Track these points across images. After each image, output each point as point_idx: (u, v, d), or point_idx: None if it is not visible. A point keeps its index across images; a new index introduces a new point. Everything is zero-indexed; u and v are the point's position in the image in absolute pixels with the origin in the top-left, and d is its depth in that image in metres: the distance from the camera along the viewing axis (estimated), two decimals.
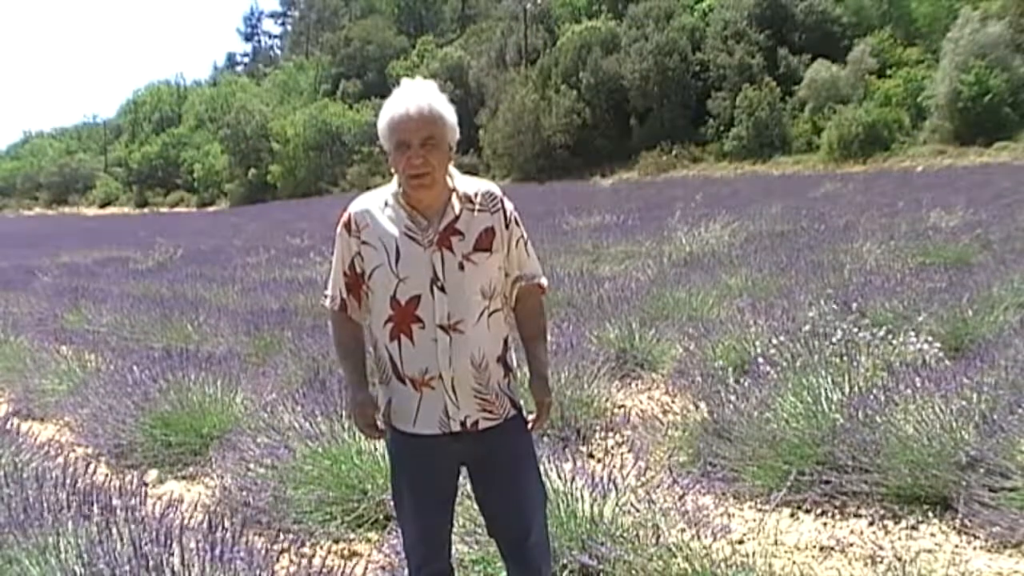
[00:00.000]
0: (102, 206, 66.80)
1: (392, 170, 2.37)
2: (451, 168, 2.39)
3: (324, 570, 2.97)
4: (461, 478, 2.59)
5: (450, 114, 2.34)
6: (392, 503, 3.27)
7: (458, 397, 2.37)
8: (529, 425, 2.53)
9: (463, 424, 2.39)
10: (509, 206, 2.45)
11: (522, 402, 2.53)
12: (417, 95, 2.31)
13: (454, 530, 3.23)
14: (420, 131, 2.27)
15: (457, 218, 2.36)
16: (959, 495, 3.62)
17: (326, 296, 2.52)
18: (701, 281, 8.25)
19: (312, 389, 4.86)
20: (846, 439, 3.93)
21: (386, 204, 2.40)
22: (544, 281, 2.57)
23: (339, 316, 2.50)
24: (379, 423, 2.46)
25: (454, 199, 2.38)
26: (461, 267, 2.35)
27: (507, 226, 2.42)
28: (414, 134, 2.27)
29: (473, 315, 2.36)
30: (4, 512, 3.18)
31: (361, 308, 2.47)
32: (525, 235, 2.50)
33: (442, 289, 2.33)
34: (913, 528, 3.65)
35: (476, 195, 2.40)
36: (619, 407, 5.42)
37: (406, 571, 3.17)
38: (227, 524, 2.93)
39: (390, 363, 2.41)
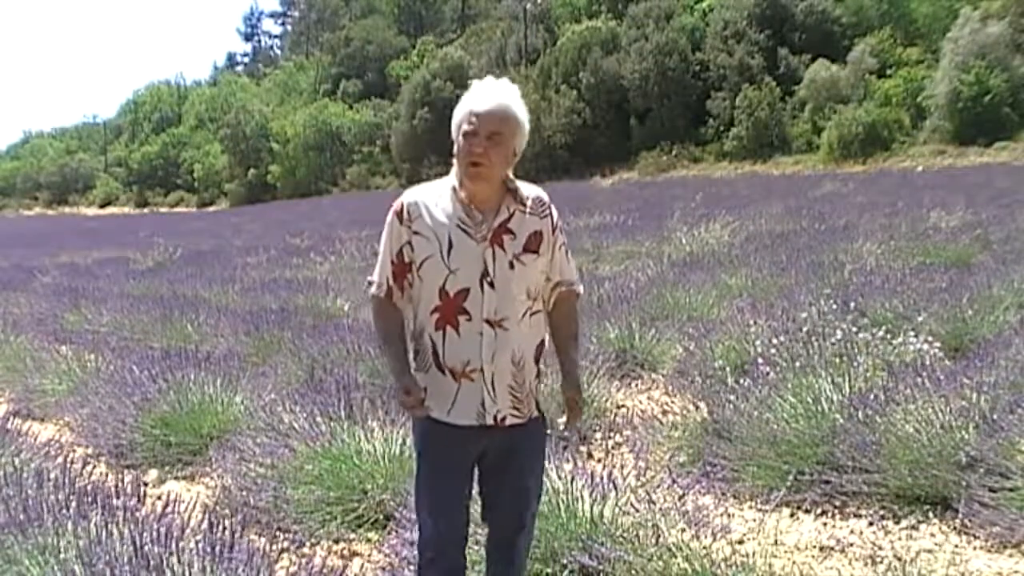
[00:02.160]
0: (102, 206, 66.77)
1: (454, 160, 2.43)
2: (510, 173, 2.47)
3: (324, 570, 2.97)
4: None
5: (523, 120, 2.43)
6: (395, 502, 3.26)
7: (496, 392, 2.44)
8: (562, 424, 2.62)
9: (495, 418, 2.45)
10: (555, 213, 2.54)
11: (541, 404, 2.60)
12: (497, 92, 2.40)
13: None
14: (489, 124, 2.35)
15: (510, 218, 2.45)
16: (959, 495, 3.62)
17: (371, 283, 2.56)
18: (701, 281, 8.25)
19: (312, 389, 4.86)
20: (846, 439, 3.93)
21: (440, 196, 2.46)
22: (580, 288, 2.65)
23: (383, 303, 2.53)
24: (425, 403, 2.46)
25: (508, 199, 2.45)
26: (511, 266, 2.42)
27: (553, 231, 2.52)
28: (483, 125, 2.35)
29: (517, 314, 2.44)
30: (4, 512, 3.17)
31: (403, 297, 2.51)
32: (566, 242, 2.60)
33: (491, 285, 2.40)
34: (913, 528, 3.65)
35: (528, 199, 2.49)
36: (619, 407, 5.43)
37: (406, 572, 3.17)
38: (227, 524, 2.93)
39: (432, 352, 2.46)
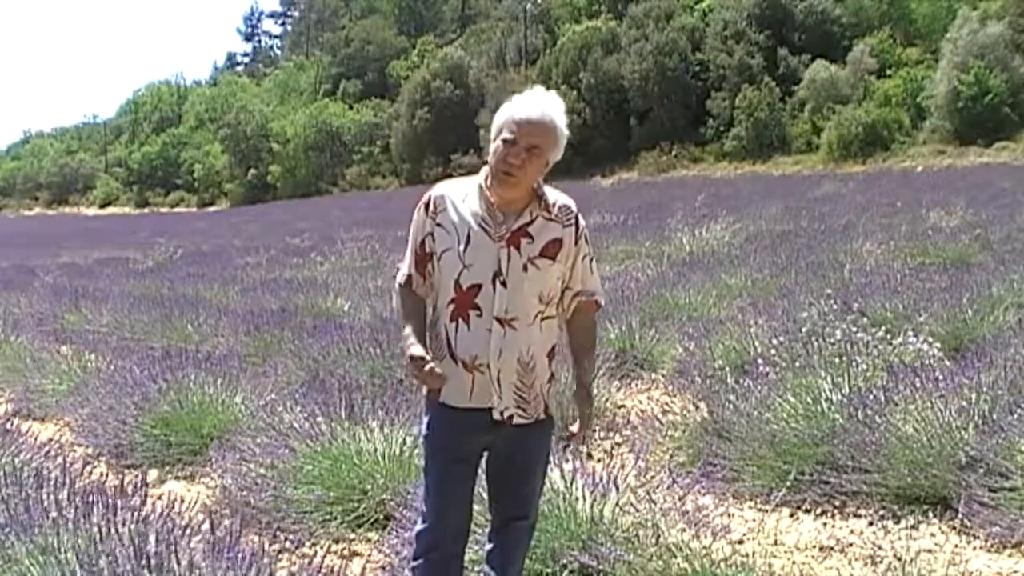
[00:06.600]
0: (102, 206, 66.69)
1: (489, 158, 2.47)
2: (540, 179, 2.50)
3: (324, 570, 2.97)
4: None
5: (563, 134, 2.47)
6: (395, 502, 3.28)
7: (502, 388, 2.49)
8: (571, 433, 2.64)
9: (502, 414, 2.50)
10: (582, 223, 2.57)
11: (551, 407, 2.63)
12: (546, 105, 2.45)
13: None
14: (530, 136, 2.40)
15: (531, 222, 2.49)
16: (959, 495, 3.62)
17: (398, 271, 2.65)
18: (701, 281, 8.25)
19: (312, 389, 4.86)
20: (846, 439, 3.93)
21: (468, 194, 2.51)
22: (602, 300, 2.68)
23: (404, 290, 2.62)
24: (437, 370, 2.46)
25: (534, 204, 2.49)
26: (525, 268, 2.46)
27: (576, 241, 2.55)
28: (526, 136, 2.40)
29: (528, 315, 2.48)
30: (4, 512, 3.17)
31: (425, 283, 2.58)
32: (592, 253, 2.62)
33: (503, 284, 2.45)
34: (913, 528, 3.65)
35: (554, 205, 2.52)
36: (619, 407, 5.43)
37: (406, 571, 3.17)
38: (227, 524, 2.93)
39: (447, 342, 2.51)
